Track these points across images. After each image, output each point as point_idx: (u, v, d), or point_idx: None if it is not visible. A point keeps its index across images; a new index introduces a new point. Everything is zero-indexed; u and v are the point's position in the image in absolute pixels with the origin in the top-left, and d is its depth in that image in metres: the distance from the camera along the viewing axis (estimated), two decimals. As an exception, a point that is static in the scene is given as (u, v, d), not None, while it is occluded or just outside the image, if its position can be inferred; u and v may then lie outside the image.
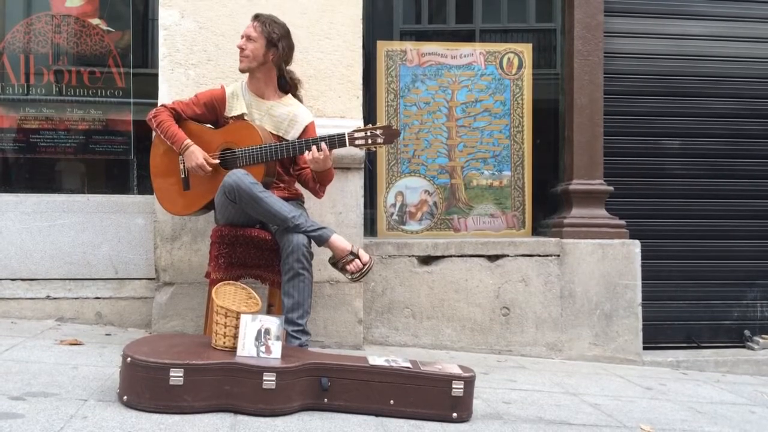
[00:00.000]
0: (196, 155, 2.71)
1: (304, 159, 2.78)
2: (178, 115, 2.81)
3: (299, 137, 2.83)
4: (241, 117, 2.81)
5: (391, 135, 2.64)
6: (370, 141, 2.63)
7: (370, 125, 2.66)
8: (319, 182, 2.79)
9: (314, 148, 2.62)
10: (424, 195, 3.83)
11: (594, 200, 3.76)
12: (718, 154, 4.05)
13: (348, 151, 2.88)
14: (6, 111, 3.54)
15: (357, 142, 2.64)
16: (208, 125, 2.86)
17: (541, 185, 3.94)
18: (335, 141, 2.64)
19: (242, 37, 2.79)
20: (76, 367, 2.42)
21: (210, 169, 2.71)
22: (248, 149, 2.68)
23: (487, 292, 3.54)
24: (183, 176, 2.79)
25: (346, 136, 2.63)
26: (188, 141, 2.73)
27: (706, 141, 4.04)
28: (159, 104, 2.99)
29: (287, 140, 2.82)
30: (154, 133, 2.85)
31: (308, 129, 2.86)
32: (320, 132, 2.87)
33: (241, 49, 2.78)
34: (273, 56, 2.79)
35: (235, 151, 2.71)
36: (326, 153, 2.62)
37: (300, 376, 2.09)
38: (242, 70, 2.82)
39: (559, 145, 3.95)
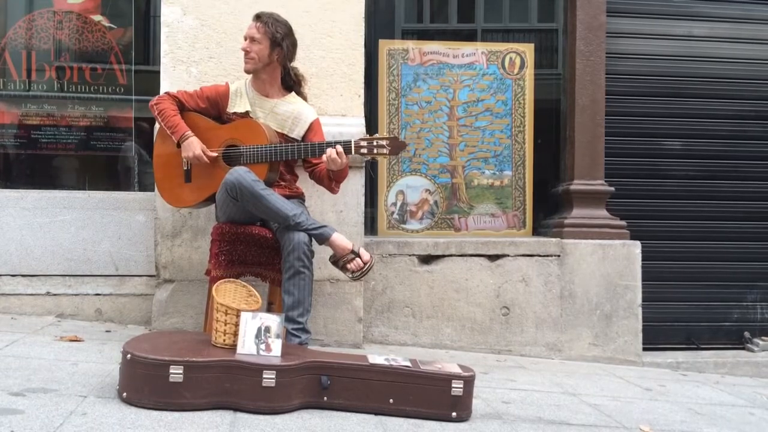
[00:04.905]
0: (194, 146, 2.70)
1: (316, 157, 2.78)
2: (180, 105, 2.81)
3: (305, 134, 2.84)
4: (245, 114, 2.81)
5: (397, 147, 2.64)
6: (375, 151, 2.63)
7: (377, 135, 2.66)
8: (334, 179, 2.79)
9: (334, 148, 2.61)
10: (425, 194, 3.83)
11: (595, 201, 3.76)
12: (720, 156, 4.05)
13: (350, 149, 2.88)
14: (7, 107, 3.54)
15: (362, 150, 2.64)
16: (214, 121, 2.86)
17: (542, 185, 3.94)
18: (341, 147, 2.65)
19: (245, 38, 2.79)
20: (76, 363, 2.42)
21: (206, 160, 2.70)
22: (254, 147, 2.67)
23: (487, 291, 3.53)
24: (185, 168, 2.79)
25: (352, 144, 2.64)
26: (188, 132, 2.72)
27: (707, 142, 4.04)
28: (162, 91, 2.99)
29: (292, 138, 2.83)
30: (156, 124, 2.85)
31: (313, 126, 2.86)
32: (323, 130, 2.89)
33: (246, 52, 2.77)
34: (278, 56, 2.80)
35: (239, 148, 2.71)
36: (344, 156, 2.63)
37: (300, 375, 2.09)
38: (248, 72, 2.82)
39: (560, 145, 3.95)
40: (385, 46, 3.82)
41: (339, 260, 2.64)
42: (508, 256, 3.56)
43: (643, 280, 3.66)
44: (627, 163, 3.95)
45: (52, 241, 3.36)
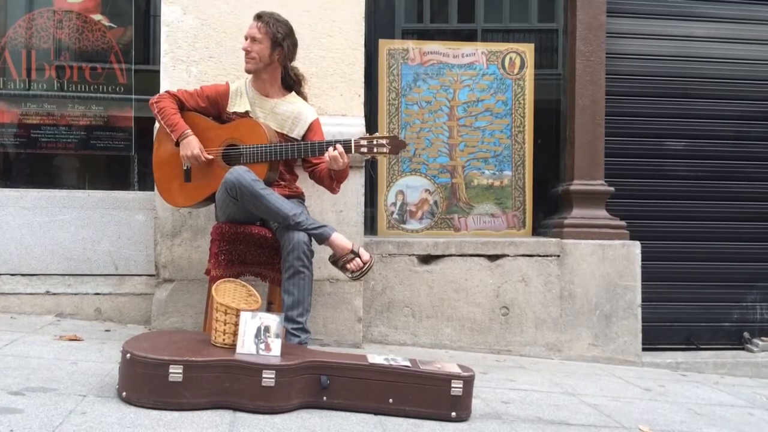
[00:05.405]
0: (193, 145, 2.70)
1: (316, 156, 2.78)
2: (180, 104, 2.81)
3: (305, 134, 2.84)
4: (245, 114, 2.81)
5: (397, 146, 2.64)
6: (375, 150, 2.63)
7: (377, 134, 2.67)
8: (335, 179, 2.79)
9: (337, 147, 2.61)
10: (424, 194, 3.83)
11: (595, 201, 3.76)
12: (720, 156, 4.05)
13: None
14: (7, 106, 3.54)
15: (362, 149, 2.64)
16: (214, 121, 2.86)
17: (542, 185, 3.94)
18: (341, 146, 2.65)
19: (246, 38, 2.79)
20: (76, 362, 2.42)
21: (203, 160, 2.70)
22: (254, 147, 2.67)
23: (486, 291, 3.53)
24: (185, 168, 2.79)
25: (352, 143, 2.64)
26: (188, 131, 2.73)
27: (707, 143, 4.04)
28: (162, 90, 2.99)
29: (292, 138, 2.83)
30: (157, 124, 2.85)
31: (313, 126, 2.86)
32: (323, 130, 2.89)
33: (247, 52, 2.77)
34: (279, 56, 2.80)
35: (239, 148, 2.71)
36: (345, 156, 2.63)
37: (299, 374, 2.09)
38: (249, 71, 2.82)
39: (560, 145, 3.95)
40: (385, 45, 3.82)
41: (339, 260, 2.64)
42: (508, 256, 3.56)
43: (643, 280, 3.66)
44: (627, 163, 3.95)
45: (52, 241, 3.36)
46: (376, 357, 2.27)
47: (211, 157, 2.73)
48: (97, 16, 3.58)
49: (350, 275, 2.64)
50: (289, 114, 2.85)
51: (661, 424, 2.45)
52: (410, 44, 3.86)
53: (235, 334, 2.15)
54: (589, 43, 3.78)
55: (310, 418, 2.05)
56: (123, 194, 3.45)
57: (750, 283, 4.07)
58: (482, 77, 3.87)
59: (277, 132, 2.81)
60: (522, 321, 3.56)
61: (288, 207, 2.57)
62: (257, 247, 2.75)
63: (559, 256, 3.60)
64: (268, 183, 2.67)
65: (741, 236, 4.06)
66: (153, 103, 2.81)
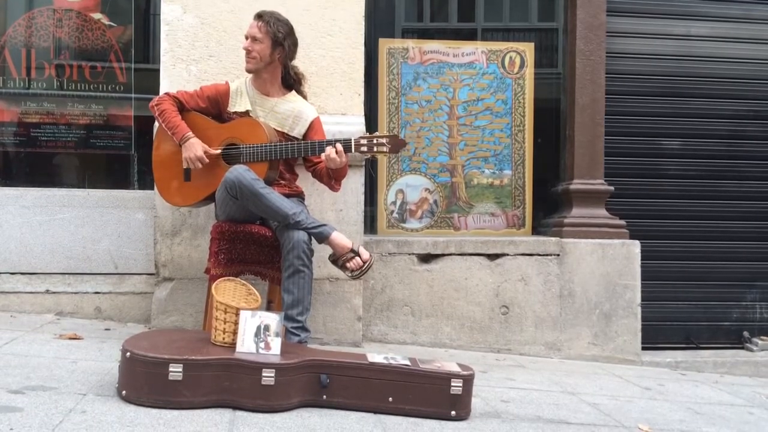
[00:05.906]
0: (196, 147, 2.70)
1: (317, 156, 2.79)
2: (181, 105, 2.81)
3: (305, 133, 2.84)
4: (246, 113, 2.82)
5: (397, 145, 2.65)
6: (375, 149, 2.64)
7: (377, 133, 2.67)
8: (334, 177, 2.79)
9: (333, 147, 2.62)
10: (424, 193, 3.83)
11: (594, 200, 3.76)
12: (720, 155, 4.05)
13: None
14: (7, 105, 3.53)
15: (362, 148, 2.65)
16: (214, 120, 2.86)
17: (542, 184, 3.94)
18: (341, 145, 2.65)
19: (247, 38, 2.79)
20: (75, 361, 2.43)
21: (207, 161, 2.70)
22: (253, 146, 2.67)
23: (486, 290, 3.54)
24: (185, 167, 2.79)
25: (353, 142, 2.64)
26: (189, 133, 2.72)
27: (707, 142, 4.04)
28: (162, 89, 2.99)
29: (292, 136, 2.83)
30: (156, 123, 2.85)
31: (314, 125, 2.86)
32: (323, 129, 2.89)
33: (248, 51, 2.77)
34: (279, 55, 2.80)
35: (239, 147, 2.71)
36: (343, 155, 2.63)
37: (299, 373, 2.09)
38: (249, 71, 2.82)
39: (560, 144, 3.95)
40: (385, 44, 3.82)
41: (338, 259, 2.65)
42: (508, 255, 3.56)
43: (643, 279, 3.66)
44: (627, 162, 3.95)
45: (52, 240, 3.36)
46: (376, 356, 2.27)
47: (217, 151, 2.73)
48: (97, 15, 3.58)
49: (350, 274, 2.65)
50: (289, 113, 2.85)
51: (661, 423, 2.46)
52: (410, 43, 3.86)
53: (234, 332, 2.15)
54: (589, 42, 3.78)
55: (309, 417, 2.05)
56: (123, 193, 3.45)
57: (749, 283, 4.07)
58: (482, 76, 3.87)
59: (278, 131, 2.82)
60: (522, 320, 3.56)
61: (288, 206, 2.57)
62: (257, 245, 2.75)
63: (558, 255, 3.60)
64: (268, 182, 2.67)
65: (741, 235, 4.06)
66: (153, 106, 2.81)
